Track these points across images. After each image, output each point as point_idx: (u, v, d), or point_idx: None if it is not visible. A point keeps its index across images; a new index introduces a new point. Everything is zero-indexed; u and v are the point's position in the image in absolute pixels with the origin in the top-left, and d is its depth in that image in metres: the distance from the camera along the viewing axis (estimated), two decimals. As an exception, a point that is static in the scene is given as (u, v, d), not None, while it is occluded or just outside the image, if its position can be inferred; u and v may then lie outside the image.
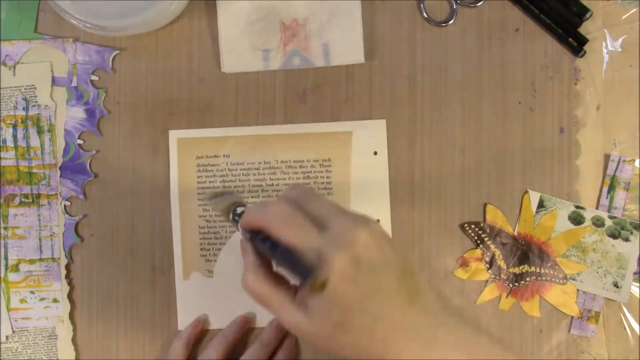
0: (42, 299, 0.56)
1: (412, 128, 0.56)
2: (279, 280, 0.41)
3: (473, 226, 0.56)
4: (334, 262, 0.36)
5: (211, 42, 0.56)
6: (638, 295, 0.55)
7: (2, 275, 0.56)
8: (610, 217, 0.55)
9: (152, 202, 0.56)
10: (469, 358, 0.38)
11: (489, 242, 0.56)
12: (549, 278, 0.56)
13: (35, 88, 0.56)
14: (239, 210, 0.43)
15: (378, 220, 0.54)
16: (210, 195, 0.50)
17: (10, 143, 0.56)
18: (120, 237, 0.56)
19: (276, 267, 0.41)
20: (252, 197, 0.56)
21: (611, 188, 0.56)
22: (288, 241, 0.38)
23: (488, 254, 0.56)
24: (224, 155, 0.56)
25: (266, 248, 0.39)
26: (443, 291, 0.56)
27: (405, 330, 0.38)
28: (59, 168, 0.56)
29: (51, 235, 0.56)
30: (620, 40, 0.56)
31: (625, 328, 0.55)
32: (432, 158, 0.56)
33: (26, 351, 0.56)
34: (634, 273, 0.55)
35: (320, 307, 0.37)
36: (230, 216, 0.44)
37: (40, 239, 0.56)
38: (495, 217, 0.56)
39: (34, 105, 0.56)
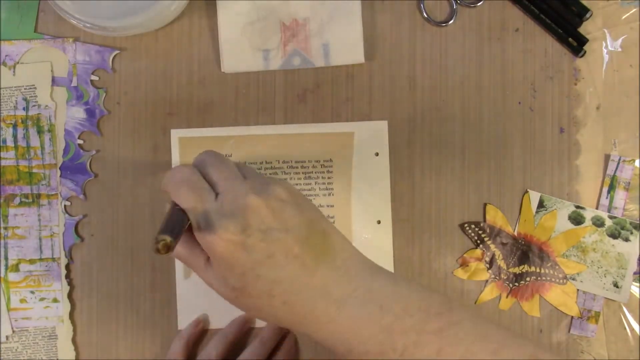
0: (42, 299, 0.56)
1: (412, 128, 0.56)
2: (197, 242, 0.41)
3: (473, 226, 0.56)
4: (219, 229, 0.37)
5: (211, 42, 0.56)
6: (638, 295, 0.55)
7: (2, 275, 0.56)
8: (610, 217, 0.55)
9: (152, 202, 0.56)
10: (382, 310, 0.38)
11: (489, 242, 0.56)
12: (549, 278, 0.56)
13: (35, 88, 0.56)
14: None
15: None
16: None
17: (10, 143, 0.56)
18: (120, 237, 0.56)
19: None
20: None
21: (611, 188, 0.56)
22: (182, 205, 0.38)
23: (488, 254, 0.56)
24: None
25: (168, 210, 0.40)
26: (443, 291, 0.56)
27: (309, 291, 0.38)
28: (59, 168, 0.56)
29: (51, 235, 0.56)
30: (620, 40, 0.56)
31: (625, 328, 0.55)
32: (432, 158, 0.56)
33: (26, 351, 0.56)
34: (634, 273, 0.55)
35: (217, 272, 0.39)
36: None
37: (40, 239, 0.56)
38: (495, 217, 0.56)
39: (34, 105, 0.56)
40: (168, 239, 0.36)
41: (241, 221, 0.37)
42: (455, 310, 0.39)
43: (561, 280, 0.56)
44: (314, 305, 0.38)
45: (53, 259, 0.56)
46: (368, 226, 0.56)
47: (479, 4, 0.56)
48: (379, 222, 0.56)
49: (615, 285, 0.55)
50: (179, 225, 0.38)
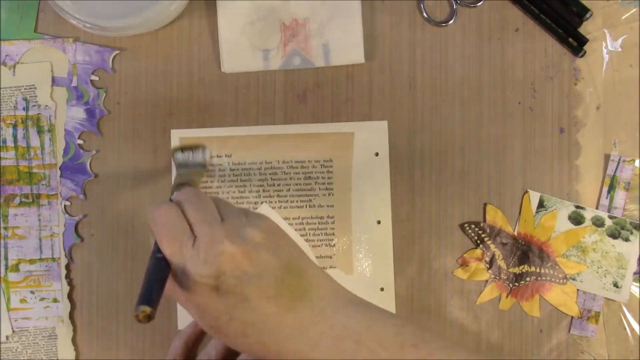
0: (42, 299, 0.56)
1: (412, 128, 0.56)
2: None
3: (473, 226, 0.56)
4: (193, 276, 0.37)
5: (211, 42, 0.56)
6: (638, 295, 0.55)
7: (2, 275, 0.56)
8: (610, 217, 0.55)
9: (152, 202, 0.56)
10: (358, 345, 0.38)
11: (489, 242, 0.56)
12: (549, 278, 0.56)
13: (35, 88, 0.56)
14: (173, 197, 0.44)
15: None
16: (177, 151, 0.53)
17: (10, 143, 0.56)
18: (120, 237, 0.56)
19: None
20: (254, 198, 0.56)
21: (611, 188, 0.56)
22: (164, 251, 0.39)
23: (488, 254, 0.56)
24: (225, 155, 0.56)
25: (153, 250, 0.40)
26: (443, 291, 0.56)
27: (284, 331, 0.38)
28: (59, 168, 0.56)
29: (51, 235, 0.56)
30: (620, 40, 0.56)
31: (625, 328, 0.55)
32: (432, 158, 0.56)
33: (26, 351, 0.56)
34: (634, 273, 0.55)
35: (194, 313, 0.39)
36: (170, 195, 0.45)
37: (40, 239, 0.56)
38: (495, 217, 0.56)
39: (34, 105, 0.56)
40: (148, 310, 0.36)
41: (215, 268, 0.37)
42: (429, 342, 0.39)
43: (561, 280, 0.56)
44: (289, 345, 0.39)
45: (53, 259, 0.56)
46: (368, 226, 0.56)
47: (479, 4, 0.56)
48: (379, 222, 0.56)
49: (615, 285, 0.55)
50: (161, 283, 0.38)
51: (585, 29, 0.56)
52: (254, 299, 0.38)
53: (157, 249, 0.40)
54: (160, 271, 0.39)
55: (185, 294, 0.39)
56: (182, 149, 0.53)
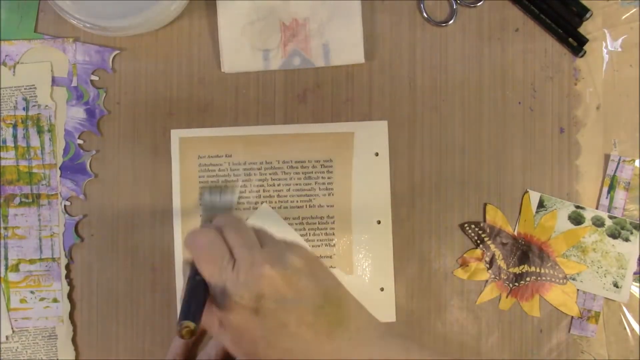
0: (42, 299, 0.56)
1: (412, 128, 0.56)
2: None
3: (473, 226, 0.56)
4: (234, 297, 0.38)
5: (211, 42, 0.56)
6: (638, 295, 0.55)
7: (2, 275, 0.56)
8: (610, 217, 0.55)
9: (152, 202, 0.56)
10: None
11: (489, 242, 0.56)
12: (549, 278, 0.56)
13: (35, 88, 0.56)
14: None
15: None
16: (206, 191, 0.52)
17: (10, 143, 0.56)
18: (120, 237, 0.56)
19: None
20: (254, 198, 0.56)
21: (611, 188, 0.56)
22: (203, 274, 0.39)
23: (488, 254, 0.56)
24: (225, 155, 0.56)
25: (190, 274, 0.41)
26: (443, 291, 0.56)
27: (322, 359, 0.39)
28: (59, 168, 0.56)
29: (51, 235, 0.56)
30: (620, 40, 0.56)
31: (625, 328, 0.55)
32: (432, 158, 0.56)
33: (26, 351, 0.56)
34: (634, 273, 0.55)
35: (230, 337, 0.39)
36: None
37: (40, 239, 0.56)
38: (495, 217, 0.56)
39: (34, 105, 0.56)
40: (192, 325, 0.37)
41: (255, 291, 0.38)
42: None
43: (561, 280, 0.56)
44: None
45: (53, 259, 0.56)
46: (368, 226, 0.56)
47: (479, 4, 0.56)
48: (379, 222, 0.56)
49: (615, 285, 0.55)
50: (201, 303, 0.39)
51: (585, 29, 0.56)
52: (292, 324, 0.38)
53: (195, 272, 0.40)
54: (199, 292, 0.39)
55: (224, 316, 0.39)
56: (211, 190, 0.53)
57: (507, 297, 0.56)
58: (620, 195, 0.56)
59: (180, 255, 0.56)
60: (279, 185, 0.56)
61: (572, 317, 0.56)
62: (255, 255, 0.39)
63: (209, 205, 0.52)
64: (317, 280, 0.40)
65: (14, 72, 0.56)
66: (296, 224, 0.56)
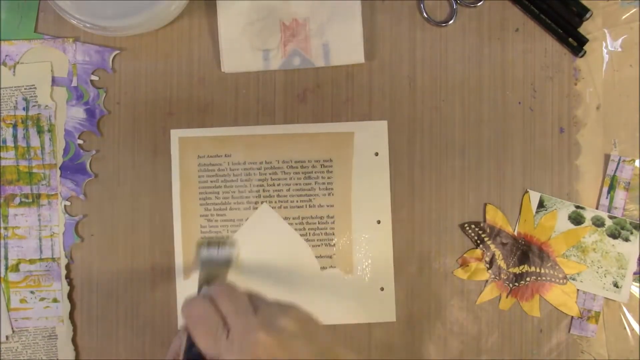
0: (42, 299, 0.56)
1: (412, 128, 0.56)
2: None
3: (473, 226, 0.56)
4: None
5: (211, 42, 0.56)
6: (638, 295, 0.55)
7: (2, 275, 0.56)
8: (610, 217, 0.55)
9: (152, 202, 0.56)
10: None
11: (489, 242, 0.56)
12: (549, 278, 0.56)
13: (35, 88, 0.56)
14: (202, 290, 0.46)
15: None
16: (203, 245, 0.51)
17: (10, 143, 0.56)
18: (120, 237, 0.56)
19: None
20: (254, 198, 0.56)
21: (611, 188, 0.56)
22: (198, 345, 0.40)
23: (488, 254, 0.56)
24: (225, 155, 0.56)
25: (186, 346, 0.42)
26: (443, 291, 0.56)
27: None
28: (59, 168, 0.56)
29: (51, 235, 0.56)
30: (620, 40, 0.56)
31: (625, 328, 0.55)
32: (432, 158, 0.56)
33: (26, 351, 0.56)
34: (634, 273, 0.55)
35: None
36: (198, 292, 0.47)
37: (40, 239, 0.56)
38: (495, 217, 0.56)
39: (34, 105, 0.56)
40: None
41: (251, 358, 0.38)
42: None
43: (561, 280, 0.56)
44: None
45: (53, 259, 0.56)
46: (368, 226, 0.56)
47: (479, 4, 0.56)
48: (379, 222, 0.56)
49: (615, 285, 0.55)
50: None
51: (585, 29, 0.56)
52: None
53: (191, 344, 0.41)
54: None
55: None
56: (209, 243, 0.52)
57: (507, 297, 0.56)
58: (620, 195, 0.56)
59: (180, 254, 0.56)
60: (279, 185, 0.56)
61: (572, 317, 0.56)
62: (249, 322, 0.40)
63: (206, 260, 0.51)
64: (312, 341, 0.40)
65: (14, 72, 0.56)
66: (296, 224, 0.56)
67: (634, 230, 0.55)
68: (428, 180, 0.56)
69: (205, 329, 0.40)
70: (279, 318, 0.40)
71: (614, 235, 0.55)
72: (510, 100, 0.56)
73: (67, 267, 0.56)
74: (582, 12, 0.55)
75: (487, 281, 0.56)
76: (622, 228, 0.55)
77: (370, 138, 0.56)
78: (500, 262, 0.56)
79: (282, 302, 0.42)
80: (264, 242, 0.56)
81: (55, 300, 0.56)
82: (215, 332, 0.40)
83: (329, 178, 0.56)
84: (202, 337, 0.40)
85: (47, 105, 0.56)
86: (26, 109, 0.56)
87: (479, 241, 0.56)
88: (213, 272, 0.49)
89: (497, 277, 0.56)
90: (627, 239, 0.55)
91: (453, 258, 0.56)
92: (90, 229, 0.56)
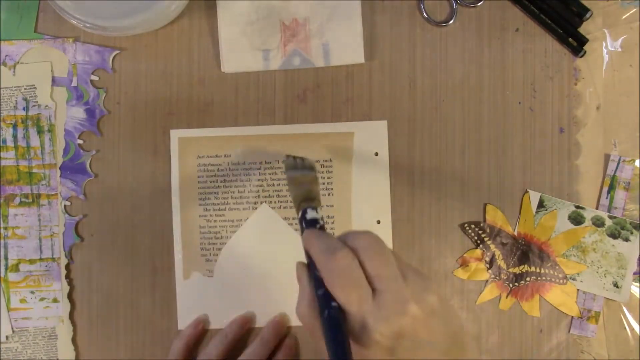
0: (42, 299, 0.56)
1: (412, 128, 0.56)
2: None
3: (473, 226, 0.56)
4: (374, 333, 0.36)
5: (211, 42, 0.56)
6: (638, 295, 0.55)
7: (2, 275, 0.56)
8: (610, 217, 0.55)
9: (152, 202, 0.56)
10: None
11: (489, 242, 0.56)
12: (549, 278, 0.56)
13: (35, 88, 0.56)
14: (309, 215, 0.42)
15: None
16: (287, 162, 0.46)
17: (10, 143, 0.56)
18: (120, 237, 0.56)
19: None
20: (254, 198, 0.56)
21: (611, 188, 0.56)
22: (340, 299, 0.37)
23: (488, 254, 0.56)
24: (224, 155, 0.56)
25: (320, 296, 0.38)
26: (443, 291, 0.56)
27: None
28: (59, 168, 0.56)
29: (51, 235, 0.56)
30: (620, 40, 0.56)
31: (625, 328, 0.55)
32: (432, 158, 0.56)
33: (26, 351, 0.56)
34: (634, 273, 0.55)
35: None
36: (299, 214, 0.43)
37: (40, 239, 0.56)
38: (495, 217, 0.56)
39: (34, 105, 0.56)
40: None
41: (397, 329, 0.36)
42: None
43: (561, 280, 0.56)
44: None
45: (53, 259, 0.56)
46: (368, 226, 0.56)
47: (479, 4, 0.56)
48: (379, 222, 0.56)
49: (615, 285, 0.55)
50: (346, 338, 0.37)
51: (585, 29, 0.56)
52: None
53: (327, 296, 0.37)
54: (341, 324, 0.37)
55: (356, 349, 0.37)
56: (292, 156, 0.47)
57: (507, 297, 0.56)
58: (620, 195, 0.56)
59: (180, 254, 0.56)
60: (278, 185, 0.56)
61: (572, 317, 0.56)
62: (400, 290, 0.37)
63: (293, 171, 0.45)
64: (448, 323, 0.39)
65: (14, 72, 0.56)
66: (296, 224, 0.56)
67: (634, 230, 0.55)
68: (428, 180, 0.56)
69: (350, 284, 0.37)
70: (427, 292, 0.38)
71: (614, 235, 0.55)
72: (510, 100, 0.56)
73: (67, 267, 0.56)
74: (582, 12, 0.55)
75: (487, 281, 0.56)
76: (622, 228, 0.55)
77: (370, 138, 0.56)
78: (500, 262, 0.56)
79: (424, 275, 0.40)
80: (264, 242, 0.56)
81: (55, 300, 0.56)
82: (361, 291, 0.37)
83: (328, 178, 0.56)
84: (344, 293, 0.37)
85: (47, 105, 0.56)
86: (26, 109, 0.56)
87: (479, 241, 0.56)
88: (306, 185, 0.45)
89: (497, 277, 0.56)
90: (627, 239, 0.55)
91: (453, 258, 0.56)
92: (90, 229, 0.56)
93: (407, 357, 0.37)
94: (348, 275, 0.37)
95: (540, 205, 0.56)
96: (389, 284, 0.37)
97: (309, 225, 0.42)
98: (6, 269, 0.56)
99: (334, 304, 0.37)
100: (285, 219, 0.56)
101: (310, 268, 0.39)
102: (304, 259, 0.41)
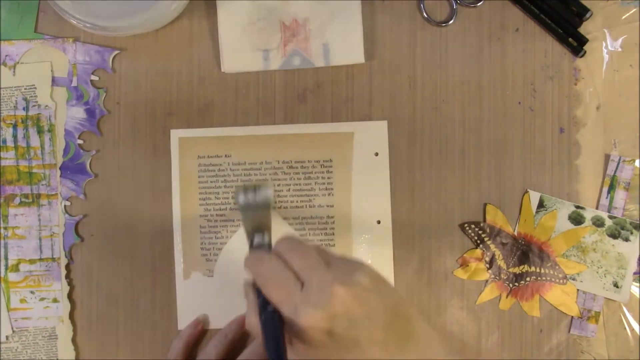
0: (42, 299, 0.56)
1: (412, 128, 0.56)
2: None
3: (473, 226, 0.56)
4: (307, 319, 0.38)
5: (211, 42, 0.56)
6: (638, 295, 0.55)
7: (2, 275, 0.56)
8: (610, 217, 0.55)
9: (152, 202, 0.56)
10: None
11: (489, 242, 0.56)
12: (549, 278, 0.56)
13: (35, 88, 0.56)
14: (256, 241, 0.46)
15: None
16: (240, 191, 0.49)
17: (10, 143, 0.56)
18: (120, 237, 0.56)
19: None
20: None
21: (611, 188, 0.56)
22: (272, 299, 0.40)
23: (488, 254, 0.56)
24: (225, 155, 0.56)
25: (259, 303, 0.41)
26: (443, 291, 0.56)
27: None
28: (59, 168, 0.56)
29: (51, 235, 0.56)
30: (620, 40, 0.56)
31: (625, 328, 0.55)
32: (432, 158, 0.56)
33: (26, 351, 0.56)
34: (634, 273, 0.55)
35: (301, 355, 0.39)
36: (249, 242, 0.47)
37: (40, 239, 0.56)
38: (495, 217, 0.56)
39: (34, 105, 0.56)
40: None
41: (328, 310, 0.38)
42: None
43: (561, 280, 0.56)
44: None
45: (53, 259, 0.56)
46: (368, 226, 0.56)
47: (479, 4, 0.56)
48: (379, 222, 0.56)
49: (615, 285, 0.55)
50: (280, 335, 0.39)
51: (585, 29, 0.56)
52: (364, 342, 0.38)
53: (264, 302, 0.40)
54: (276, 324, 0.39)
55: (296, 339, 0.39)
56: (245, 189, 0.50)
57: (507, 297, 0.56)
58: (620, 195, 0.56)
59: (180, 254, 0.56)
60: (278, 185, 0.56)
61: (572, 317, 0.56)
62: (324, 275, 0.39)
63: (245, 206, 0.49)
64: (384, 297, 0.40)
65: (14, 72, 0.56)
66: (296, 224, 0.56)
67: (634, 230, 0.55)
68: (428, 180, 0.56)
69: (278, 283, 0.40)
70: (353, 272, 0.40)
71: (614, 235, 0.55)
72: (510, 100, 0.56)
73: (67, 267, 0.56)
74: (582, 12, 0.55)
75: (487, 281, 0.56)
76: (622, 228, 0.55)
77: (370, 138, 0.56)
78: (500, 262, 0.56)
79: (352, 259, 0.42)
80: (264, 242, 0.56)
81: (55, 300, 0.56)
82: (289, 287, 0.39)
83: (329, 178, 0.56)
84: (275, 292, 0.39)
85: (47, 105, 0.56)
86: (26, 109, 0.56)
87: (479, 241, 0.56)
88: (257, 218, 0.48)
89: (497, 277, 0.56)
90: (627, 239, 0.55)
91: (453, 258, 0.56)
92: (90, 229, 0.56)
93: (347, 336, 0.38)
94: (275, 274, 0.40)
95: (540, 205, 0.56)
96: (312, 272, 0.39)
97: (255, 249, 0.46)
98: (6, 269, 0.56)
99: (269, 307, 0.40)
100: (285, 219, 0.56)
101: (254, 284, 0.42)
102: None
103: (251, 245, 0.47)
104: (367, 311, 0.38)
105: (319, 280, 0.39)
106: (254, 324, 0.41)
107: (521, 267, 0.56)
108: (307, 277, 0.39)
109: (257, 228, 0.47)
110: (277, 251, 0.42)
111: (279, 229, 0.56)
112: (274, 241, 0.44)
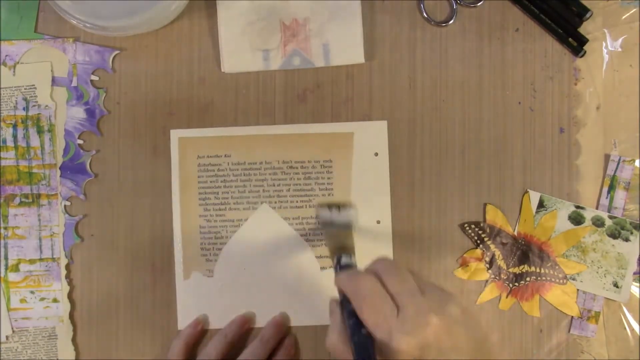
0: (42, 299, 0.56)
1: (412, 128, 0.56)
2: None
3: (473, 226, 0.56)
4: (400, 346, 0.38)
5: (211, 42, 0.56)
6: (638, 295, 0.55)
7: (2, 275, 0.56)
8: (610, 217, 0.55)
9: (152, 202, 0.56)
10: None
11: (489, 242, 0.56)
12: (549, 278, 0.56)
13: (35, 88, 0.56)
14: (343, 261, 0.46)
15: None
16: (322, 216, 0.51)
17: (10, 143, 0.56)
18: (120, 237, 0.56)
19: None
20: (254, 198, 0.56)
21: (611, 188, 0.56)
22: (367, 321, 0.40)
23: (488, 254, 0.56)
24: (225, 155, 0.56)
25: (351, 324, 0.41)
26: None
27: None
28: (59, 168, 0.56)
29: (51, 235, 0.56)
30: (620, 40, 0.56)
31: (625, 328, 0.55)
32: (432, 158, 0.56)
33: (26, 351, 0.56)
34: (634, 273, 0.55)
35: None
36: (334, 262, 0.47)
37: (40, 239, 0.56)
38: (495, 217, 0.56)
39: (34, 105, 0.56)
40: None
41: (421, 340, 0.39)
42: None
43: (561, 280, 0.56)
44: None
45: (53, 259, 0.56)
46: (368, 226, 0.56)
47: (479, 4, 0.56)
48: (378, 222, 0.56)
49: (615, 285, 0.55)
50: (370, 355, 0.39)
51: (585, 29, 0.56)
52: None
53: (357, 323, 0.40)
54: (369, 348, 0.39)
55: None
56: (329, 206, 0.51)
57: (507, 297, 0.56)
58: (620, 195, 0.56)
59: (180, 254, 0.56)
60: (278, 185, 0.56)
61: (572, 317, 0.56)
62: (421, 304, 0.40)
63: (327, 222, 0.50)
64: (470, 330, 0.41)
65: (14, 72, 0.56)
66: (296, 224, 0.56)
67: (634, 230, 0.55)
68: (428, 180, 0.56)
69: (374, 305, 0.40)
70: (447, 303, 0.40)
71: (614, 235, 0.55)
72: (510, 100, 0.56)
73: (67, 267, 0.56)
74: (582, 12, 0.55)
75: (487, 281, 0.56)
76: (622, 228, 0.55)
77: (370, 138, 0.56)
78: (500, 262, 0.56)
79: (444, 289, 0.42)
80: (264, 243, 0.56)
81: (55, 300, 0.56)
82: (385, 311, 0.40)
83: (328, 178, 0.56)
84: (372, 315, 0.40)
85: (47, 105, 0.56)
86: (26, 109, 0.56)
87: (479, 241, 0.56)
88: (341, 237, 0.49)
89: (497, 277, 0.56)
90: (627, 239, 0.55)
91: (453, 258, 0.56)
92: (90, 229, 0.56)
93: None
94: (373, 295, 0.40)
95: (540, 205, 0.56)
96: (409, 299, 0.40)
97: (343, 269, 0.46)
98: (6, 269, 0.56)
99: (363, 330, 0.40)
100: (285, 219, 0.56)
101: (343, 303, 0.42)
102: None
103: (338, 264, 0.46)
104: (455, 342, 0.39)
105: (415, 308, 0.39)
106: (335, 342, 0.41)
107: (521, 267, 0.56)
108: (404, 303, 0.40)
109: (343, 249, 0.47)
110: (373, 271, 0.42)
111: (279, 229, 0.56)
112: (364, 262, 0.45)
